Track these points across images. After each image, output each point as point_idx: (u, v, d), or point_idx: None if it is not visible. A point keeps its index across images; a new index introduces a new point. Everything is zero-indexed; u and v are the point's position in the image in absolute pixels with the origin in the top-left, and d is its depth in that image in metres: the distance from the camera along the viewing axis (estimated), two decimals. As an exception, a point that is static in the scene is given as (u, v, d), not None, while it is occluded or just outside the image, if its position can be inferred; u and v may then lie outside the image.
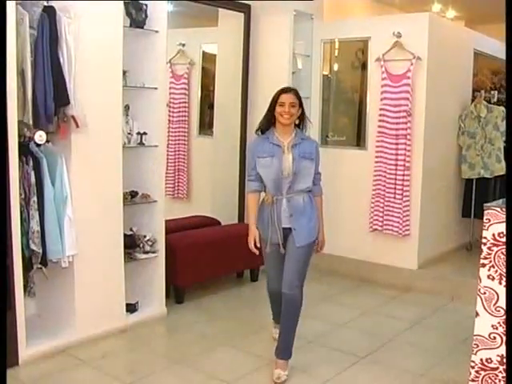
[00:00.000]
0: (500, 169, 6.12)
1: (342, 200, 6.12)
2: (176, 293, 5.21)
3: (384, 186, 5.76)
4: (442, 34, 5.80)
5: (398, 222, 5.71)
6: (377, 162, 5.79)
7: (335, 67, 6.39)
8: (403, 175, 5.62)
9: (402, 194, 5.66)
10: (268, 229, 3.80)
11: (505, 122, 6.04)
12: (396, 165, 5.65)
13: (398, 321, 4.96)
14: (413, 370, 4.02)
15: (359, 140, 6.15)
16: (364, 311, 5.22)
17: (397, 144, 5.63)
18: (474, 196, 6.37)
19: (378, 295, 5.62)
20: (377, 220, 5.86)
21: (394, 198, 5.70)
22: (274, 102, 3.74)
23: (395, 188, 5.68)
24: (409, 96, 5.52)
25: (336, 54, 6.39)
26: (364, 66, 6.04)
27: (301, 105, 3.79)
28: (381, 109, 5.71)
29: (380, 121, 5.73)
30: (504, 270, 2.79)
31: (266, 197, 3.80)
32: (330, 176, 6.10)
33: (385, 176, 5.75)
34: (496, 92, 6.47)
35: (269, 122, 3.80)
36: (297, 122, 3.83)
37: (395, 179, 5.67)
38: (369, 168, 5.85)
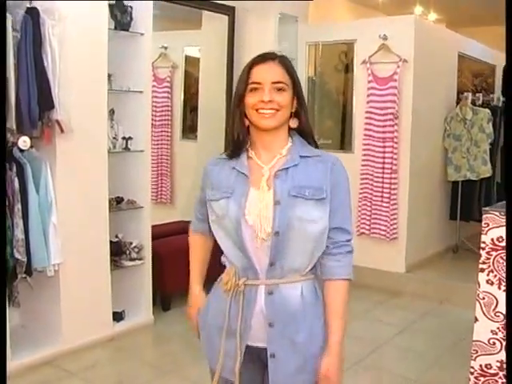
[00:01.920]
0: (486, 171, 6.12)
1: (329, 204, 6.08)
2: (163, 300, 5.12)
3: (371, 189, 5.73)
4: (428, 36, 5.79)
5: (386, 226, 5.68)
6: (363, 166, 5.75)
7: (320, 70, 6.35)
8: (390, 178, 5.59)
9: (389, 198, 5.63)
10: (217, 343, 1.95)
11: (490, 124, 6.04)
12: (383, 168, 5.62)
13: (387, 325, 4.94)
14: (405, 374, 4.01)
15: (345, 143, 6.12)
16: (353, 316, 5.11)
17: (384, 147, 5.59)
18: (460, 198, 6.36)
19: (366, 299, 5.56)
20: (364, 223, 5.82)
21: (382, 201, 5.67)
22: (242, 83, 1.87)
23: (382, 191, 5.65)
24: (395, 99, 5.50)
25: (321, 56, 6.36)
26: (348, 69, 6.01)
27: (297, 87, 1.90)
28: (367, 112, 5.68)
29: (366, 124, 5.70)
30: (503, 275, 2.75)
31: (225, 277, 1.95)
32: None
33: (372, 179, 5.71)
34: (481, 94, 6.47)
35: (240, 129, 1.89)
36: (294, 125, 1.93)
37: (382, 182, 5.64)
38: (355, 171, 5.81)
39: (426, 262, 6.09)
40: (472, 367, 2.94)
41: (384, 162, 5.61)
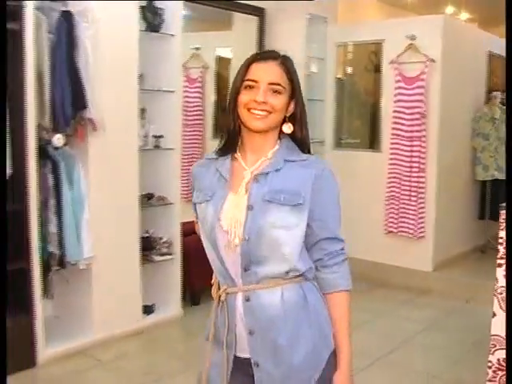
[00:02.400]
0: (514, 170, 6.10)
1: (357, 202, 6.12)
2: (192, 295, 5.24)
3: (399, 188, 5.76)
4: (457, 36, 5.80)
5: (413, 224, 5.71)
6: (391, 165, 5.79)
7: (349, 70, 6.41)
8: (418, 177, 5.62)
9: (416, 196, 5.66)
10: (216, 351, 1.86)
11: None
12: (411, 167, 5.66)
13: (412, 323, 4.97)
14: (427, 371, 4.05)
15: (373, 142, 6.16)
16: (379, 313, 5.22)
17: (411, 146, 5.63)
18: (488, 198, 6.36)
19: (392, 297, 5.62)
20: (392, 222, 5.86)
21: (409, 200, 5.70)
22: (238, 79, 1.78)
23: (410, 190, 5.69)
24: (423, 98, 5.53)
25: (350, 56, 6.43)
26: (377, 69, 6.05)
27: (296, 91, 1.80)
28: (395, 111, 5.72)
29: (394, 123, 5.74)
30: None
31: (214, 289, 1.89)
32: (344, 178, 6.13)
33: (399, 178, 5.75)
34: (511, 93, 6.45)
35: (231, 129, 1.81)
36: (288, 131, 1.82)
37: (410, 181, 5.67)
38: (383, 170, 5.86)
39: (453, 260, 6.10)
40: (490, 361, 3.00)
41: (411, 161, 5.65)
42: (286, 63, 1.79)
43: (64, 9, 3.86)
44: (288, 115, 1.80)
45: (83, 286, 4.27)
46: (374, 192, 6.01)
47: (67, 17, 3.84)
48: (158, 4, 4.57)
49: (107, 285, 4.29)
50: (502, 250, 2.88)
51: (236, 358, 1.80)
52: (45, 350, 3.98)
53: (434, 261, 5.84)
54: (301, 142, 1.84)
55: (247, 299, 1.76)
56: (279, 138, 1.83)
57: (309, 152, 1.85)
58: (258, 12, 5.92)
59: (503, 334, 2.91)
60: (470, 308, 5.31)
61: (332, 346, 1.81)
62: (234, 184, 1.79)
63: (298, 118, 1.82)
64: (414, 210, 5.68)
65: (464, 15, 8.89)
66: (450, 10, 8.41)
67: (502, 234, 2.87)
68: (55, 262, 3.98)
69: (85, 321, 4.27)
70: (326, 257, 1.82)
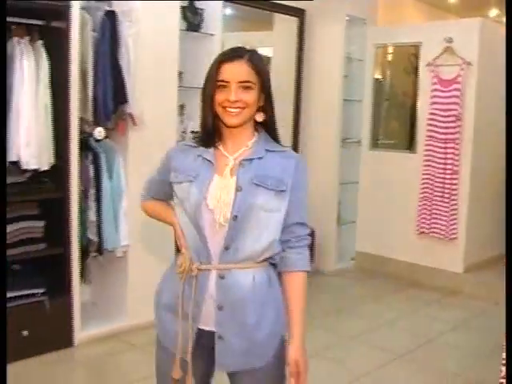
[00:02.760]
0: (551, 175, 6.10)
1: (391, 202, 6.20)
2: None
3: (432, 189, 5.83)
4: (494, 39, 5.82)
5: (445, 225, 5.76)
6: (425, 166, 5.86)
7: (387, 71, 6.49)
8: (451, 179, 5.68)
9: (449, 198, 5.71)
10: (168, 323, 2.00)
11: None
12: (444, 169, 5.71)
13: (439, 322, 5.04)
14: (449, 369, 4.12)
15: (409, 144, 6.23)
16: (407, 312, 5.30)
17: (445, 148, 5.68)
18: (525, 202, 6.36)
19: (422, 297, 5.69)
20: (424, 223, 5.92)
21: (442, 201, 5.76)
22: (210, 80, 1.92)
23: (443, 191, 5.74)
24: (458, 101, 5.58)
25: (389, 58, 6.50)
26: (416, 71, 6.10)
27: (264, 84, 1.94)
28: (430, 113, 5.78)
29: (429, 125, 5.79)
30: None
31: (180, 261, 1.96)
32: (379, 178, 6.24)
33: (433, 179, 5.81)
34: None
35: (207, 123, 1.95)
36: (259, 119, 1.98)
37: (443, 183, 5.72)
38: (417, 171, 5.92)
39: (484, 263, 6.12)
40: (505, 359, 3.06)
41: (445, 163, 5.70)
42: (253, 59, 1.91)
43: (108, 8, 4.07)
44: (260, 105, 1.95)
45: (119, 273, 4.47)
46: (407, 193, 6.08)
47: (111, 16, 4.04)
48: (198, 4, 4.75)
49: (142, 272, 4.47)
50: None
51: (198, 329, 1.95)
52: (81, 332, 4.19)
53: (464, 262, 5.88)
54: (273, 131, 2.01)
55: (222, 277, 1.90)
56: (256, 129, 2.00)
57: (279, 141, 2.01)
58: (299, 13, 6.05)
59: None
60: (500, 310, 5.32)
61: (285, 327, 1.99)
62: (217, 168, 1.94)
63: (268, 108, 1.97)
64: (447, 212, 5.74)
65: (509, 18, 8.82)
66: (493, 12, 8.38)
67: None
68: (93, 249, 4.19)
69: (120, 306, 4.47)
70: (293, 239, 1.98)
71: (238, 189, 1.88)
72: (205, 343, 1.95)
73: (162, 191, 2.12)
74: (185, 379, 1.96)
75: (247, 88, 1.88)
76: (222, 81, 1.88)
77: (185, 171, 1.95)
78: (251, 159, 1.93)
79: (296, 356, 1.95)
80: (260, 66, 1.92)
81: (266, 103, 1.96)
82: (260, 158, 1.93)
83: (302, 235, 2.00)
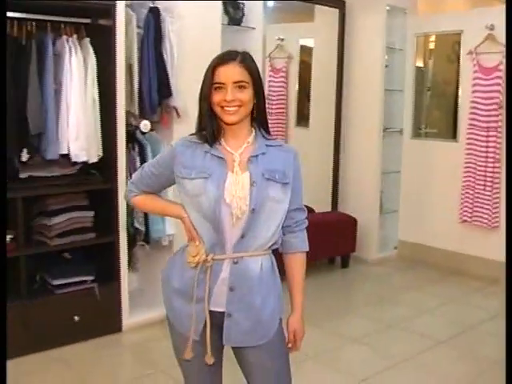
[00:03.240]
0: None
1: (433, 191, 6.22)
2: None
3: (474, 177, 5.82)
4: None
5: (488, 214, 5.76)
6: (467, 155, 5.85)
7: (429, 60, 6.48)
8: (493, 167, 5.66)
9: (491, 186, 5.70)
10: (179, 306, 2.16)
11: None
12: (486, 157, 5.70)
13: (481, 311, 5.05)
14: (489, 356, 4.14)
15: (451, 132, 6.22)
16: (449, 300, 5.33)
17: (487, 136, 5.67)
18: None
19: (464, 285, 5.70)
20: (466, 211, 5.92)
21: (484, 189, 5.75)
22: (207, 82, 2.07)
23: (485, 180, 5.73)
24: (500, 89, 5.55)
25: (431, 46, 6.49)
26: (459, 59, 6.10)
27: (256, 83, 2.09)
28: (472, 101, 5.77)
29: (471, 113, 5.78)
30: None
31: (192, 253, 2.09)
32: (421, 167, 6.26)
33: (475, 168, 5.80)
34: None
35: (210, 122, 2.09)
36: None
37: (485, 171, 5.72)
38: (459, 160, 5.92)
39: (528, 251, 6.10)
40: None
41: (487, 152, 5.69)
42: (245, 61, 2.07)
43: (152, 5, 4.20)
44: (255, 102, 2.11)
45: (165, 262, 4.60)
46: (449, 181, 6.08)
47: (155, 13, 4.18)
48: (239, -1, 4.86)
49: (187, 261, 4.61)
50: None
51: (210, 311, 2.11)
52: (129, 318, 4.36)
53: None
54: (263, 124, 2.17)
55: (235, 262, 2.08)
56: (251, 124, 2.16)
57: (269, 133, 2.19)
58: (339, 4, 6.11)
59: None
60: (543, 299, 5.33)
61: (283, 309, 2.23)
62: (227, 165, 2.10)
63: (259, 104, 2.12)
64: (489, 200, 5.73)
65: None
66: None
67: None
68: (140, 238, 4.35)
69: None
70: (293, 224, 2.21)
71: (253, 183, 2.05)
72: (215, 323, 2.11)
73: (157, 184, 2.26)
74: (198, 359, 2.15)
75: (242, 87, 2.04)
76: (219, 83, 2.03)
77: (196, 167, 2.07)
78: (256, 156, 2.09)
79: (295, 326, 2.24)
80: (251, 66, 2.08)
81: (258, 100, 2.11)
82: (263, 154, 2.10)
83: (300, 220, 2.23)
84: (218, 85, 2.04)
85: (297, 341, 2.25)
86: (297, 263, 2.25)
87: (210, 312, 2.11)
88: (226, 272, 2.08)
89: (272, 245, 2.15)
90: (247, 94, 2.05)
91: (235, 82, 2.03)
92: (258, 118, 2.15)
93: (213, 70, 2.05)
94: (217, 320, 2.12)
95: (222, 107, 2.04)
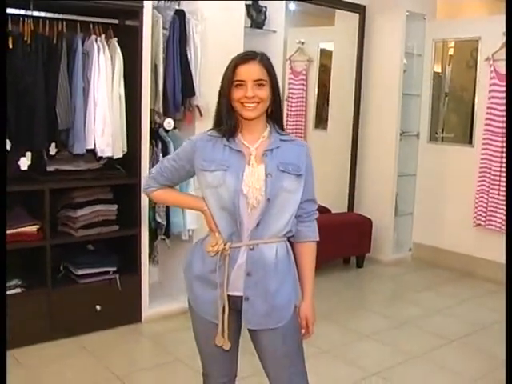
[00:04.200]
0: None
1: (448, 194, 6.31)
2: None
3: (488, 182, 5.90)
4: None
5: (501, 218, 5.83)
6: (483, 159, 5.93)
7: (447, 66, 6.57)
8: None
9: (505, 191, 5.78)
10: (200, 292, 2.30)
11: None
12: (501, 162, 5.78)
13: (493, 312, 5.10)
14: (499, 356, 4.20)
15: (467, 137, 6.30)
16: (461, 301, 5.41)
17: (503, 142, 5.75)
18: None
19: (477, 288, 5.78)
20: (480, 215, 6.00)
21: (498, 194, 5.83)
22: (228, 80, 2.19)
23: (499, 185, 5.81)
24: (516, 95, 5.64)
25: (450, 52, 6.57)
26: (476, 66, 6.18)
27: (273, 81, 2.22)
28: (488, 107, 5.85)
29: (487, 119, 5.86)
30: None
31: (211, 243, 2.23)
32: (438, 171, 6.35)
33: (490, 173, 5.88)
34: None
35: (229, 117, 2.22)
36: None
37: (500, 176, 5.79)
38: (475, 164, 6.01)
39: (542, 256, 6.16)
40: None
41: (502, 157, 5.76)
42: (264, 60, 2.20)
43: (177, 8, 4.35)
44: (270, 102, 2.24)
45: (185, 256, 4.71)
46: (464, 185, 6.16)
47: (180, 15, 4.32)
48: (262, 2, 4.99)
49: (206, 256, 4.73)
50: None
51: (228, 296, 2.24)
52: (148, 309, 4.51)
53: (521, 255, 5.93)
54: (278, 121, 2.30)
55: (251, 249, 2.21)
56: (267, 120, 2.29)
57: (283, 127, 2.33)
58: (359, 9, 6.22)
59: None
60: (554, 302, 5.40)
61: (303, 289, 2.35)
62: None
63: (276, 102, 2.25)
64: (503, 205, 5.80)
65: None
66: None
67: None
68: (161, 232, 4.49)
69: (184, 287, 4.73)
70: (304, 214, 2.33)
71: (268, 175, 2.19)
72: (233, 307, 2.25)
73: (176, 177, 2.39)
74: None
75: (260, 85, 2.17)
76: (240, 80, 2.16)
77: (216, 160, 2.21)
78: (271, 149, 2.23)
79: (306, 312, 2.34)
80: (269, 66, 2.22)
81: (275, 97, 2.24)
82: (278, 148, 2.24)
83: (311, 210, 2.35)
84: (238, 82, 2.16)
85: (309, 326, 2.35)
86: (307, 252, 2.36)
87: (229, 297, 2.24)
88: (242, 258, 2.21)
89: (287, 233, 2.27)
90: (265, 92, 2.18)
91: (255, 80, 2.16)
92: (274, 115, 2.27)
93: (234, 68, 2.17)
94: (235, 304, 2.25)
95: (242, 103, 2.17)
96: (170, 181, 2.41)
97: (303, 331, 2.36)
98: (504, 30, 5.62)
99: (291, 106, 7.06)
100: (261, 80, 2.17)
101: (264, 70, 2.19)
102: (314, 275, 2.38)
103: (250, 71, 2.16)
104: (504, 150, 5.76)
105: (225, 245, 2.21)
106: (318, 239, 2.38)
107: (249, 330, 2.31)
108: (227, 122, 2.22)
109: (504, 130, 5.74)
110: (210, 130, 2.30)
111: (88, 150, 4.10)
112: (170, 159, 2.40)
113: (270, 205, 2.18)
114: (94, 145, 4.07)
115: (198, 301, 2.33)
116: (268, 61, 2.23)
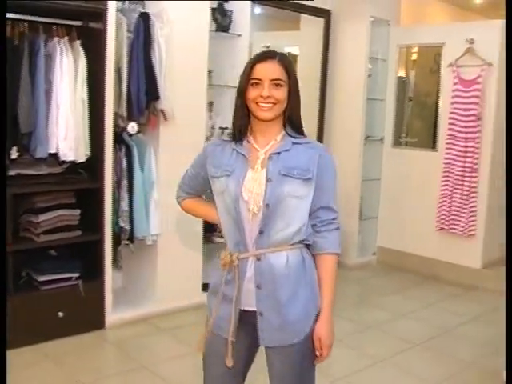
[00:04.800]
0: None
1: (412, 198, 6.36)
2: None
3: (452, 186, 5.97)
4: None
5: (464, 222, 5.91)
6: (446, 164, 6.00)
7: (412, 71, 6.64)
8: (470, 177, 5.81)
9: (468, 196, 5.85)
10: (216, 309, 2.18)
11: None
12: (464, 167, 5.85)
13: (458, 315, 5.18)
14: (464, 358, 4.27)
15: (430, 142, 6.37)
16: (426, 305, 5.46)
17: (465, 147, 5.82)
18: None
19: (441, 291, 5.84)
20: (443, 219, 6.07)
21: (461, 198, 5.90)
22: (244, 79, 2.10)
23: (462, 189, 5.88)
24: (478, 101, 5.71)
25: (414, 57, 6.65)
26: (440, 71, 6.25)
27: (292, 83, 2.12)
28: (451, 112, 5.92)
29: (450, 124, 5.94)
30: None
31: (222, 255, 2.18)
32: (401, 176, 6.40)
33: (453, 177, 5.95)
34: None
35: (240, 118, 2.15)
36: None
37: (462, 180, 5.87)
38: (438, 169, 6.07)
39: (502, 259, 6.21)
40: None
41: (465, 162, 5.84)
42: (283, 60, 2.10)
43: (142, 10, 4.31)
44: (287, 104, 2.13)
45: (149, 261, 4.71)
46: (428, 190, 6.22)
47: (145, 18, 4.27)
48: (227, 6, 4.96)
49: (171, 261, 4.70)
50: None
51: (242, 311, 2.13)
52: (112, 315, 4.44)
53: (483, 258, 6.00)
54: (296, 126, 2.16)
55: (258, 259, 2.08)
56: (283, 124, 2.15)
57: (302, 132, 2.18)
58: (324, 14, 6.24)
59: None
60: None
61: (319, 306, 2.14)
62: (250, 162, 2.12)
63: (294, 105, 2.13)
64: (465, 209, 5.88)
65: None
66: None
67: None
68: (125, 237, 4.43)
69: (149, 292, 4.72)
70: (319, 223, 2.15)
71: (269, 180, 2.06)
72: (247, 322, 2.13)
73: (197, 185, 2.32)
74: (221, 359, 2.16)
75: (278, 85, 2.06)
76: (256, 79, 2.06)
77: (222, 166, 2.13)
78: (279, 152, 2.10)
79: (320, 332, 2.11)
80: (289, 66, 2.10)
81: (293, 100, 2.12)
82: (287, 151, 2.10)
83: (326, 219, 2.16)
84: (255, 81, 2.06)
85: (323, 349, 2.13)
86: (323, 265, 2.16)
87: (244, 312, 2.13)
88: (251, 270, 2.09)
89: (301, 241, 2.12)
90: (283, 93, 2.07)
91: (272, 80, 2.05)
92: (291, 118, 2.14)
93: (251, 67, 2.08)
94: (249, 319, 2.12)
95: (257, 103, 2.06)
96: (194, 189, 2.34)
97: (317, 353, 2.14)
98: (466, 36, 5.75)
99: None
100: (278, 80, 2.07)
101: (283, 70, 2.08)
102: (333, 291, 2.17)
103: (268, 70, 2.06)
104: (466, 154, 5.83)
105: (231, 256, 2.11)
106: (337, 251, 2.17)
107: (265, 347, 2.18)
108: (237, 123, 2.14)
109: (467, 136, 5.81)
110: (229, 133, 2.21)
111: (50, 154, 4.03)
112: (190, 166, 2.32)
113: (270, 211, 2.05)
114: (57, 149, 4.00)
115: (211, 315, 2.20)
116: (288, 61, 2.12)
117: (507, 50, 3.16)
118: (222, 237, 4.87)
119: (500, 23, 5.79)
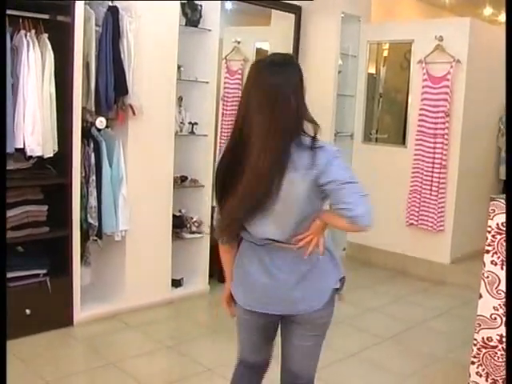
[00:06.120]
0: (537, 171, 6.28)
1: (382, 194, 6.35)
2: (219, 272, 5.56)
3: (421, 182, 6.02)
4: (483, 37, 5.99)
5: (433, 218, 5.96)
6: (415, 160, 6.05)
7: (382, 68, 6.67)
8: (439, 173, 5.87)
9: (437, 191, 5.91)
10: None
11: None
12: (433, 163, 5.90)
13: (426, 309, 5.24)
14: (432, 352, 4.31)
15: (400, 138, 6.41)
16: (395, 299, 5.51)
17: (435, 143, 5.88)
18: None
19: (410, 286, 5.90)
20: (413, 215, 6.12)
21: (430, 194, 5.96)
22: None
23: (431, 185, 5.94)
24: (448, 97, 5.77)
25: (385, 54, 6.68)
26: (410, 68, 6.29)
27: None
28: (421, 109, 5.97)
29: (420, 120, 5.99)
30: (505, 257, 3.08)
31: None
32: (371, 171, 6.42)
33: (422, 173, 6.01)
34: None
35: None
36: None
37: (432, 176, 5.92)
38: (408, 165, 6.12)
39: (471, 255, 6.23)
40: (475, 339, 3.28)
41: (434, 158, 5.89)
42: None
43: (111, 4, 4.26)
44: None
45: (117, 257, 4.67)
46: (398, 185, 6.27)
47: (113, 11, 4.23)
48: (197, 1, 4.93)
49: (140, 257, 4.68)
50: (489, 237, 3.16)
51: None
52: (80, 312, 4.40)
53: (452, 254, 6.07)
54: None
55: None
56: None
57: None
58: (295, 10, 6.24)
59: (488, 314, 3.19)
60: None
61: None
62: None
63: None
64: (435, 205, 5.94)
65: (504, 16, 8.99)
66: (488, 10, 8.53)
67: (490, 222, 3.18)
68: (93, 233, 4.39)
69: (118, 288, 4.68)
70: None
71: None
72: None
73: None
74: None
75: None
76: None
77: None
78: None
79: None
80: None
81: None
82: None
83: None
84: None
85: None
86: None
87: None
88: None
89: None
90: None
91: None
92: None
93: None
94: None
95: None
96: None
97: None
98: (436, 34, 5.80)
99: (226, 106, 7.01)
100: None
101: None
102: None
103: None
104: (435, 150, 5.88)
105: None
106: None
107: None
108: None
109: (436, 132, 5.86)
110: None
111: (17, 149, 3.96)
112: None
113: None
114: (24, 144, 3.94)
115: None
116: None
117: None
118: (192, 233, 4.92)
119: (467, 21, 5.86)
